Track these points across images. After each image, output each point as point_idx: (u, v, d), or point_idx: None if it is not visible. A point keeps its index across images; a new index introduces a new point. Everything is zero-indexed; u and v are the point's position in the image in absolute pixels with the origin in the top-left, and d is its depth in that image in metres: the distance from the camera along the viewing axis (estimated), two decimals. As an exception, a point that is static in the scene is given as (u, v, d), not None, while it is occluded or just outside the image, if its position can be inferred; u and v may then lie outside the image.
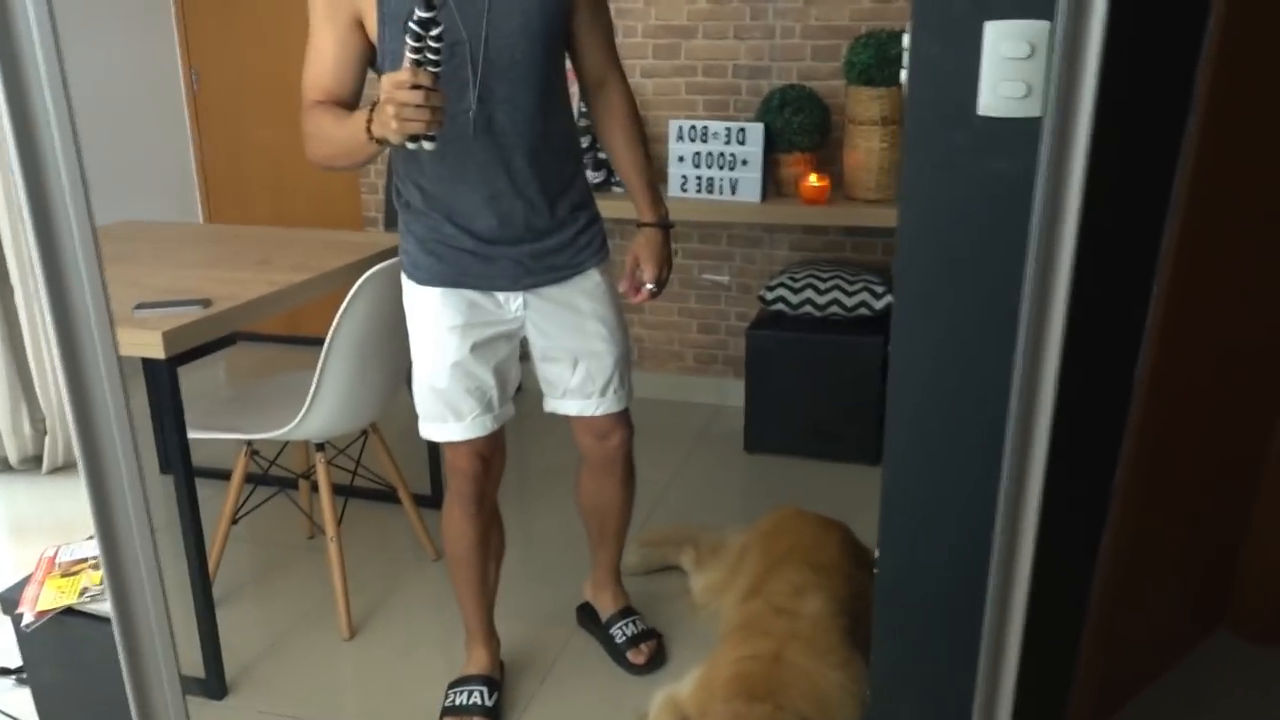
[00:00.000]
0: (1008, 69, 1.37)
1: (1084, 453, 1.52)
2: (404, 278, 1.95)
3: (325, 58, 1.77)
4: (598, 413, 2.06)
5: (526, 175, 1.83)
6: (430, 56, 1.53)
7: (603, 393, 2.04)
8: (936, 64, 1.41)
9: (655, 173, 2.09)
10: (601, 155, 3.31)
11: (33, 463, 3.15)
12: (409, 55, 1.52)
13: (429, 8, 1.48)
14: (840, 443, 3.19)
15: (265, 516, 2.84)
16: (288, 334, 4.29)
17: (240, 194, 4.39)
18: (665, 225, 2.05)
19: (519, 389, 2.37)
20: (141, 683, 1.02)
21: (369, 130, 1.62)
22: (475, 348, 1.92)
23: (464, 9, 1.71)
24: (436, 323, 1.91)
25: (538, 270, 1.91)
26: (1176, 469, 1.81)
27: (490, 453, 2.00)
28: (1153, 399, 1.53)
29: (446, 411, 1.94)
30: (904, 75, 1.45)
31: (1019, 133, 1.37)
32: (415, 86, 1.52)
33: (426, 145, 1.60)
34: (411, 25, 1.50)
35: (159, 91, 4.22)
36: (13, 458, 3.11)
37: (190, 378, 2.15)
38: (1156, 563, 1.86)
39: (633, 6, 3.45)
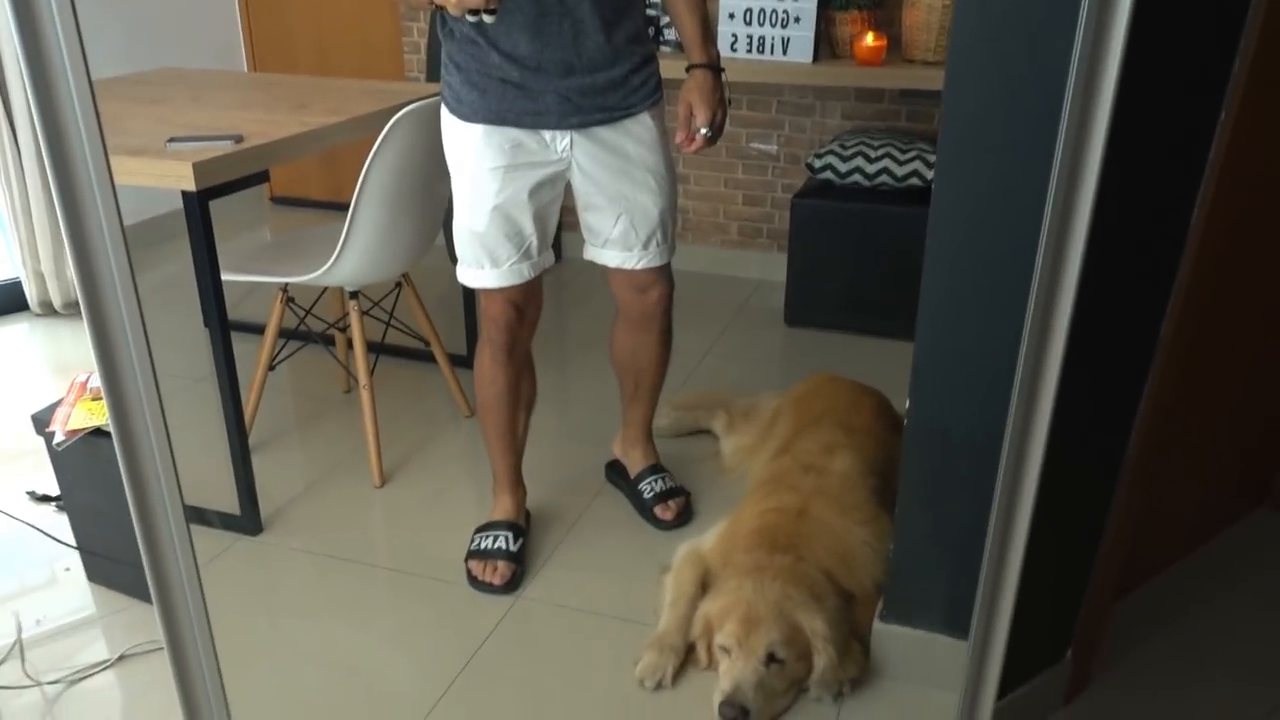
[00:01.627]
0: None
1: (1127, 309, 1.45)
2: (445, 113, 1.88)
3: None
4: (638, 266, 2.01)
5: (583, 9, 1.74)
6: None
7: (645, 245, 1.99)
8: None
9: (707, 13, 1.98)
10: (650, 12, 3.18)
11: (75, 308, 3.18)
12: None
13: None
14: (884, 317, 3.11)
15: (302, 369, 2.87)
16: (331, 198, 4.27)
17: (284, 47, 4.31)
18: (716, 67, 1.95)
19: (559, 257, 2.32)
20: (145, 503, 1.02)
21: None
22: (517, 191, 1.86)
23: None
24: (478, 162, 1.85)
25: (587, 108, 1.84)
26: (1225, 329, 1.73)
27: (525, 301, 1.97)
28: (1203, 254, 1.44)
29: (484, 256, 1.90)
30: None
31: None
32: None
33: (487, 18, 1.62)
34: None
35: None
36: (57, 302, 3.15)
37: (233, 239, 2.13)
38: (1196, 428, 1.80)
39: None
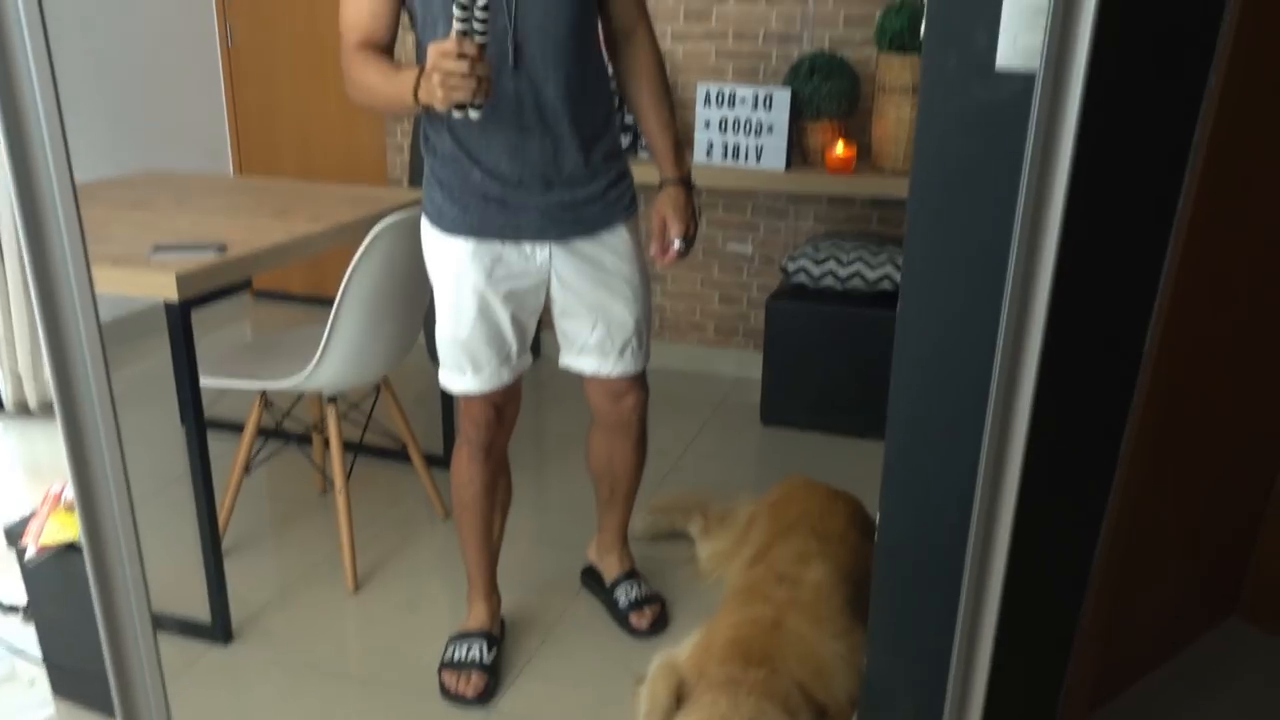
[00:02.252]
0: (1030, 19, 1.33)
1: (1087, 424, 1.48)
2: (428, 226, 1.93)
3: (361, 2, 1.77)
4: (614, 373, 2.04)
5: (557, 111, 1.80)
6: (476, 27, 1.55)
7: (620, 353, 2.02)
8: (955, 13, 1.37)
9: (680, 131, 2.05)
10: (628, 120, 3.27)
11: (51, 409, 3.17)
12: (456, 25, 1.55)
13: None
14: (858, 417, 3.15)
15: (279, 470, 2.86)
16: (313, 293, 4.31)
17: (270, 149, 4.39)
18: (688, 183, 2.02)
19: (537, 355, 2.36)
20: (113, 620, 1.02)
21: (415, 95, 1.64)
22: (498, 299, 1.90)
23: None
24: (460, 274, 1.89)
25: (566, 222, 1.89)
26: (1187, 443, 1.76)
27: (504, 402, 1.99)
28: (1161, 370, 1.49)
29: (466, 361, 1.93)
30: (924, 27, 1.41)
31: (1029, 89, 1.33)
32: (461, 56, 1.54)
33: (472, 114, 1.63)
34: (472, 18, 1.53)
35: (196, 47, 4.23)
36: (32, 402, 3.14)
37: (214, 335, 2.16)
38: (1163, 539, 1.82)
39: (665, -31, 3.41)
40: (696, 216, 2.03)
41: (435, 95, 1.59)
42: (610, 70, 1.97)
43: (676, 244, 2.00)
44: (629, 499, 2.26)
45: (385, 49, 1.80)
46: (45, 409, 3.17)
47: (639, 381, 2.09)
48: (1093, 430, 1.50)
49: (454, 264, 1.89)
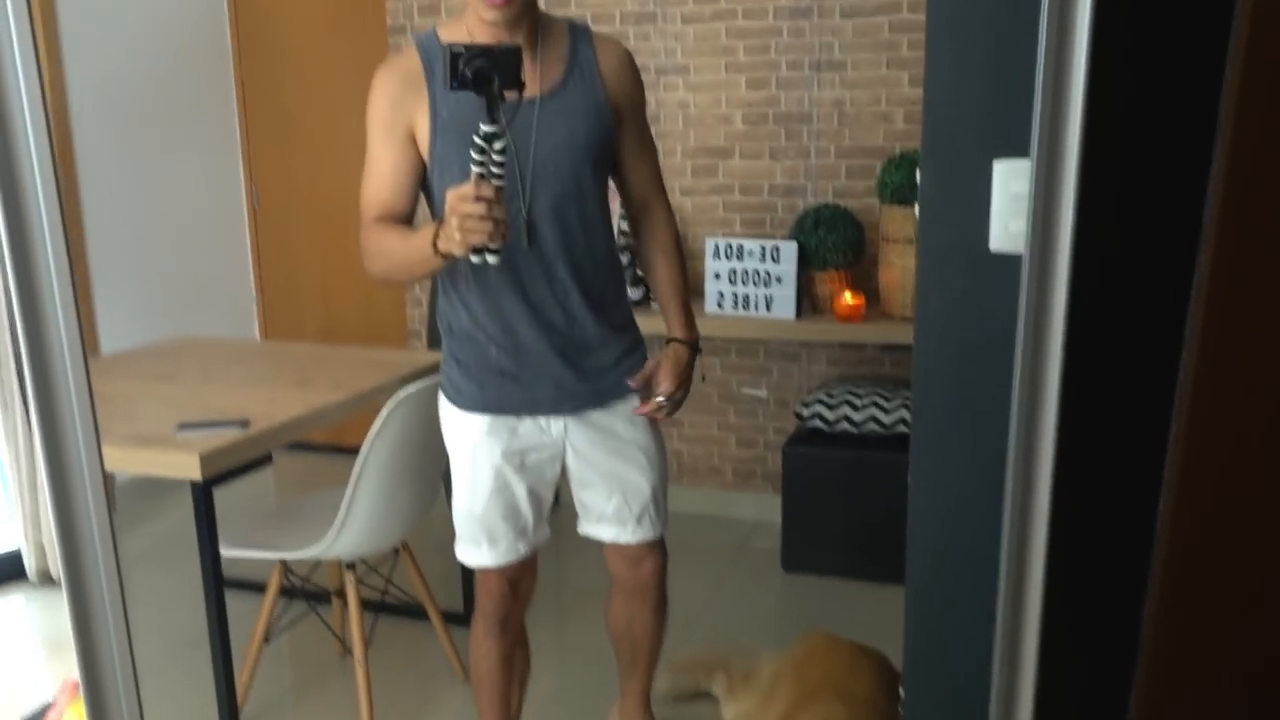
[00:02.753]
0: (1019, 206, 1.38)
1: (1105, 568, 1.47)
2: (445, 403, 1.97)
3: (383, 174, 1.83)
4: (632, 540, 2.05)
5: (568, 285, 1.85)
6: (494, 170, 1.59)
7: (638, 520, 2.03)
8: (947, 201, 1.43)
9: (690, 282, 2.11)
10: (640, 272, 3.36)
11: (76, 575, 3.19)
12: (473, 169, 1.58)
13: (492, 121, 1.56)
14: (881, 563, 3.12)
15: (299, 632, 2.85)
16: (331, 442, 4.35)
17: (293, 307, 4.51)
18: (694, 347, 2.05)
19: (555, 502, 2.37)
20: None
21: (435, 245, 1.67)
22: (515, 473, 1.93)
23: (514, 120, 1.77)
24: (476, 449, 1.92)
25: (580, 394, 1.92)
26: (1216, 603, 1.74)
27: (519, 576, 2.00)
28: (1182, 510, 1.48)
29: (482, 536, 1.94)
30: (916, 210, 1.47)
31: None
32: (479, 199, 1.57)
33: (491, 258, 1.64)
34: (475, 139, 1.57)
35: (224, 210, 4.40)
36: (54, 570, 3.16)
37: (233, 486, 2.19)
38: (1199, 687, 1.78)
39: (672, 128, 3.55)
40: (690, 382, 2.04)
41: (454, 239, 1.61)
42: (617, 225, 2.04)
43: (660, 399, 1.97)
44: (650, 663, 2.24)
45: (404, 222, 1.85)
46: (68, 577, 3.18)
47: (657, 546, 2.09)
48: (1114, 574, 1.48)
49: (471, 439, 1.92)
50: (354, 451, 2.25)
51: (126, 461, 2.12)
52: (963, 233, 1.41)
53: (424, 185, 1.86)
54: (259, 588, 2.55)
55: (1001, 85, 1.37)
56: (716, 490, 3.80)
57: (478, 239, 1.60)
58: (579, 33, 1.89)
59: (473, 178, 1.58)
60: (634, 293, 3.36)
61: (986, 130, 1.39)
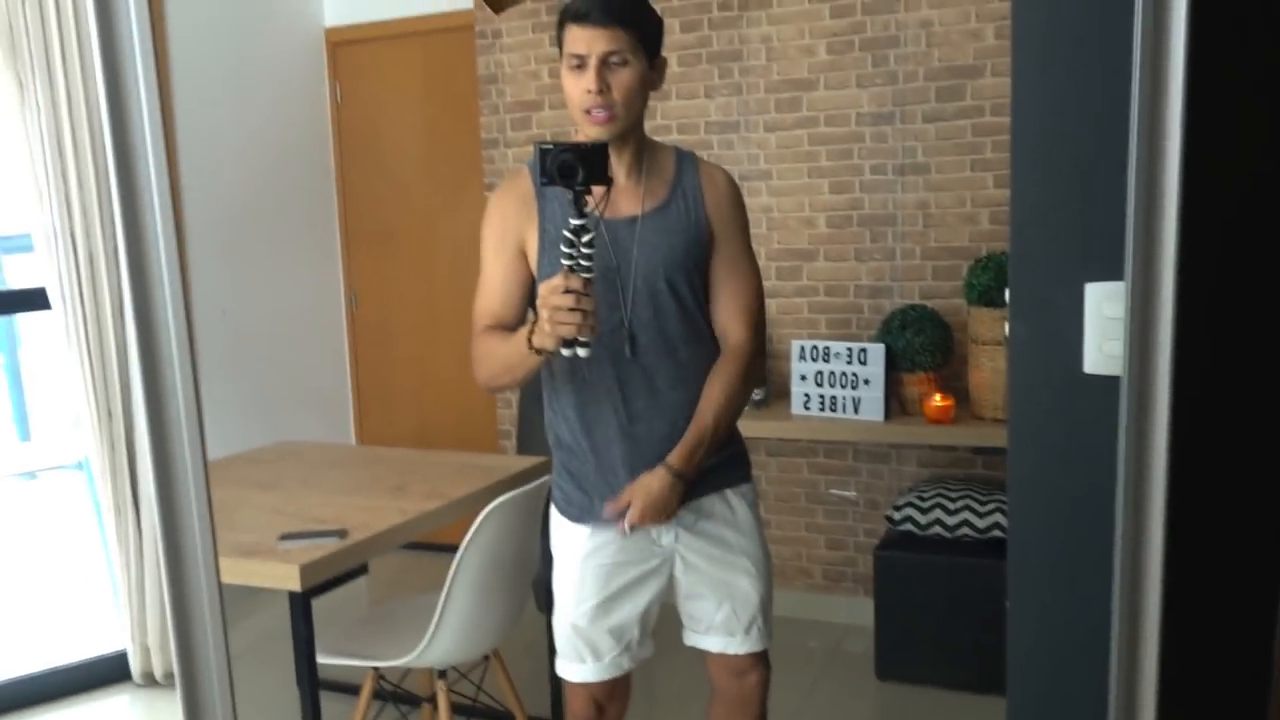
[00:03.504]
0: (1111, 328, 1.37)
1: (1218, 675, 1.41)
2: (556, 514, 1.99)
3: (494, 286, 1.90)
4: (740, 651, 2.02)
5: (669, 399, 1.87)
6: (582, 263, 1.64)
7: (746, 630, 2.01)
8: (1038, 322, 1.42)
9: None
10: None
11: (175, 679, 3.27)
12: (562, 261, 1.64)
13: (580, 215, 1.62)
14: (979, 672, 3.02)
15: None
16: (425, 540, 4.41)
17: (388, 409, 4.63)
18: (680, 477, 1.88)
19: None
20: None
21: (529, 342, 1.72)
22: (623, 587, 1.94)
23: (618, 237, 1.84)
24: (585, 560, 1.93)
25: (686, 504, 1.92)
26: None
27: (615, 691, 1.99)
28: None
29: (585, 650, 1.95)
30: (1006, 330, 1.47)
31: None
32: (568, 290, 1.62)
33: (581, 351, 1.68)
34: (564, 233, 1.63)
35: (322, 313, 4.57)
36: (158, 672, 3.25)
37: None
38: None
39: (756, 232, 3.58)
40: (666, 511, 1.88)
41: (544, 332, 1.67)
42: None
43: (624, 524, 1.88)
44: None
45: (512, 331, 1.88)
46: (170, 678, 3.26)
47: (763, 659, 2.06)
48: (1228, 697, 1.42)
49: (579, 551, 1.94)
50: (446, 549, 2.29)
51: (230, 571, 2.18)
52: (1055, 354, 1.40)
53: (533, 299, 1.91)
54: (352, 689, 2.58)
55: (1090, 206, 1.37)
56: (805, 593, 3.73)
57: (567, 331, 1.64)
58: (685, 158, 1.95)
59: (562, 270, 1.64)
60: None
61: (1075, 252, 1.39)
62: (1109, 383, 1.35)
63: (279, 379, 4.25)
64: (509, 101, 3.96)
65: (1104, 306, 1.37)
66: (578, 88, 1.78)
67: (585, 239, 1.62)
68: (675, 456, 1.88)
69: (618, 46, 1.76)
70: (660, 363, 1.87)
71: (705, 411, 1.89)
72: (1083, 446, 1.39)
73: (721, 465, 1.97)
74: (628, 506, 1.87)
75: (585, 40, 1.76)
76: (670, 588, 2.01)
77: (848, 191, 3.48)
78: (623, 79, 1.78)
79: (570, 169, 1.60)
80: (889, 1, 3.34)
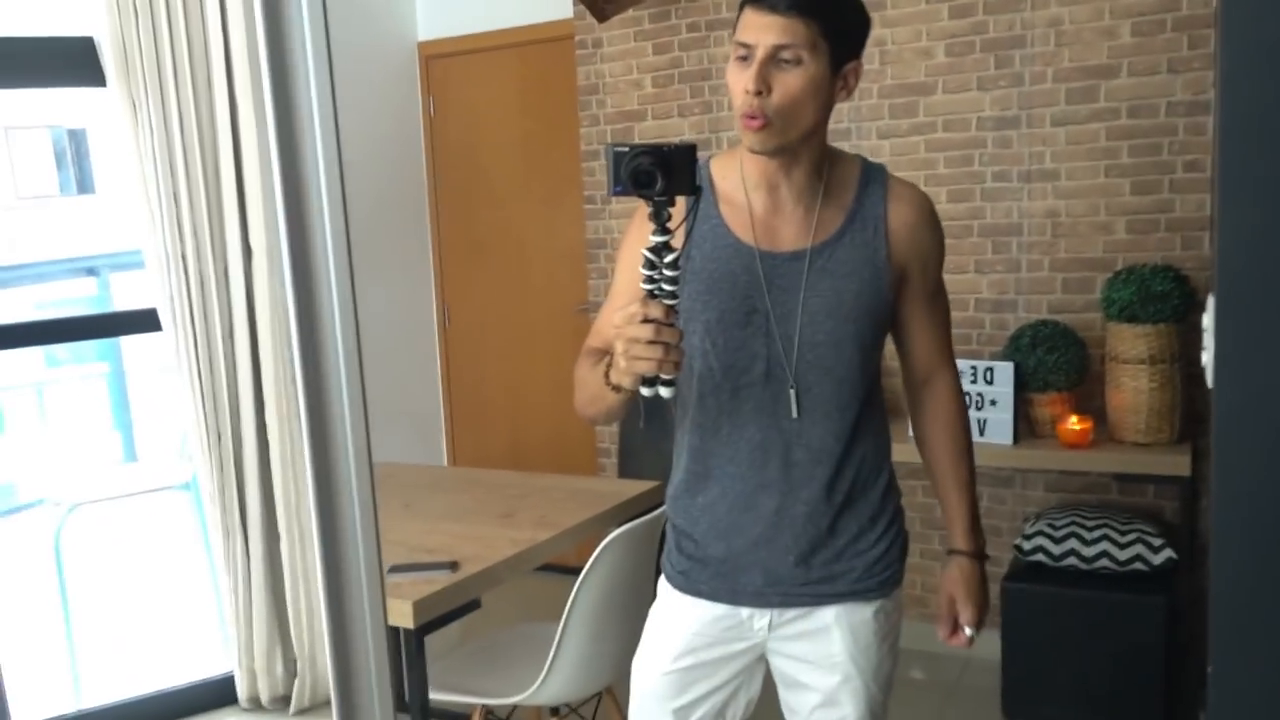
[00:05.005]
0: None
1: None
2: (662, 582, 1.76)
3: (616, 307, 1.57)
4: None
5: (806, 473, 1.59)
6: (665, 287, 1.39)
7: None
8: (1246, 364, 1.24)
9: (977, 491, 1.79)
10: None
11: (281, 703, 3.23)
12: (642, 285, 1.39)
13: (663, 231, 1.38)
14: (1110, 713, 2.82)
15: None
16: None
17: (481, 429, 4.57)
18: (982, 555, 1.73)
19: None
20: None
21: (607, 377, 1.47)
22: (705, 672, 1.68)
23: (781, 275, 1.57)
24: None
25: (788, 581, 1.63)
26: None
27: None
28: None
29: None
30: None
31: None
32: (646, 320, 1.36)
33: (663, 391, 1.42)
34: (644, 252, 1.39)
35: (415, 330, 4.54)
36: (264, 696, 3.21)
37: None
38: None
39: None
40: (988, 597, 1.75)
41: (619, 367, 1.41)
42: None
43: (968, 632, 1.72)
44: None
45: None
46: (276, 703, 3.23)
47: None
48: None
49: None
50: (552, 570, 2.18)
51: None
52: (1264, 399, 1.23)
53: None
54: (455, 717, 2.50)
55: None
56: (920, 622, 3.54)
57: (645, 367, 1.37)
58: (873, 175, 1.63)
59: (640, 296, 1.38)
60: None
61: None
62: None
63: (371, 396, 4.21)
64: (610, 112, 3.87)
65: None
66: (738, 84, 1.48)
67: (668, 259, 1.38)
68: (968, 539, 1.73)
69: (792, 40, 1.43)
70: (807, 429, 1.59)
71: (958, 470, 1.73)
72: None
73: (855, 560, 1.67)
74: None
75: (756, 28, 1.45)
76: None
77: (967, 200, 3.30)
78: (790, 82, 1.45)
79: (648, 176, 1.35)
80: (1014, 0, 3.16)
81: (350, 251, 0.92)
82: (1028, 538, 2.98)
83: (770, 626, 1.65)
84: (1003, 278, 3.26)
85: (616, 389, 1.46)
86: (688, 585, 1.68)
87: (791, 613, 1.64)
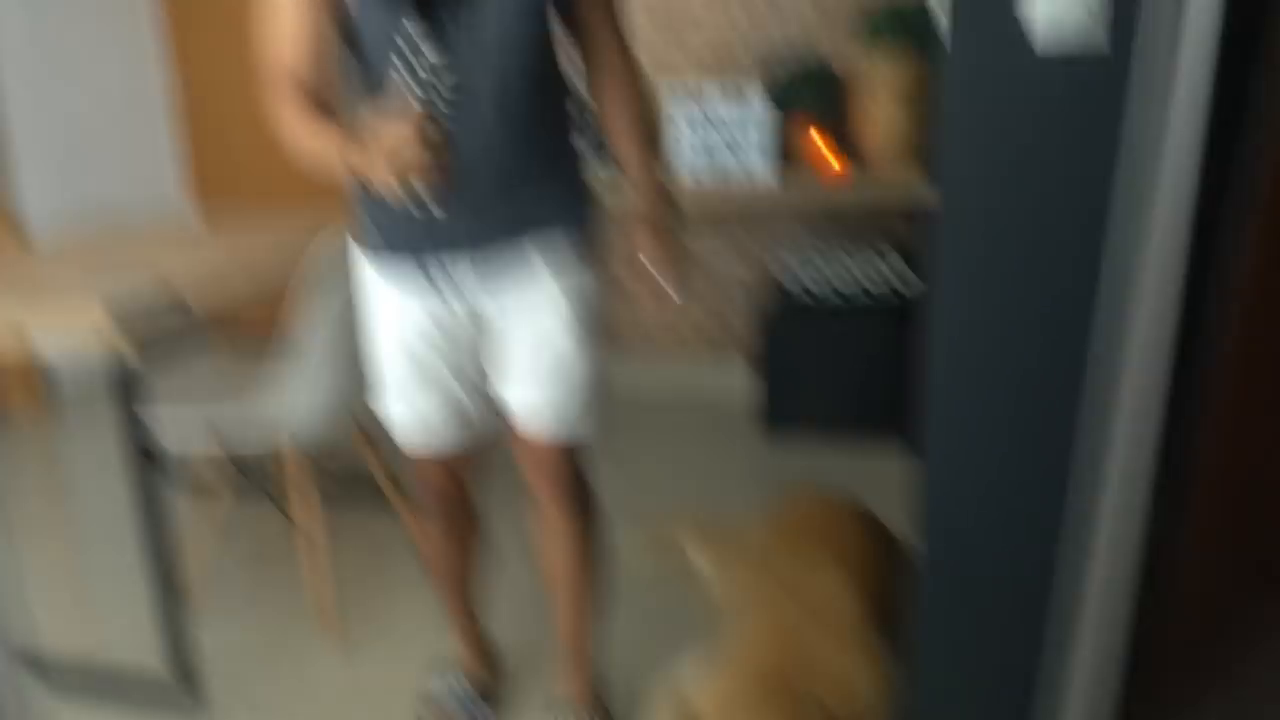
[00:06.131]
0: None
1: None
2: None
3: (286, 28, 1.40)
4: (548, 434, 1.67)
5: (504, 151, 1.46)
6: (442, 109, 1.29)
7: (561, 410, 1.65)
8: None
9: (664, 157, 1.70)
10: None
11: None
12: (416, 105, 1.27)
13: (440, 51, 1.28)
14: (861, 424, 3.05)
15: (255, 527, 2.69)
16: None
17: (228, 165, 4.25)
18: (665, 196, 1.64)
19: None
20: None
21: (350, 162, 1.32)
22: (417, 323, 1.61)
23: None
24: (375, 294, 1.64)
25: (487, 221, 1.52)
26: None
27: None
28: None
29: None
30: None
31: (1086, 75, 1.15)
32: (424, 144, 1.22)
33: (436, 212, 1.37)
34: (420, 73, 1.27)
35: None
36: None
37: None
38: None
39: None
40: (682, 253, 1.66)
41: (379, 177, 1.26)
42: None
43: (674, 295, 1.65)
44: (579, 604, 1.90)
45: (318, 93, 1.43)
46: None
47: (573, 454, 1.74)
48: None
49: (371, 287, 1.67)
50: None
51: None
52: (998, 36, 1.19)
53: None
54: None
55: None
56: (683, 360, 3.62)
57: (412, 184, 1.25)
58: None
59: (416, 115, 1.22)
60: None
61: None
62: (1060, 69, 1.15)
63: (98, 139, 3.82)
64: None
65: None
66: None
67: (450, 81, 1.28)
68: (648, 197, 1.64)
69: None
70: (495, 113, 1.43)
71: (635, 123, 1.62)
72: (1031, 161, 1.20)
73: (546, 193, 1.58)
74: None
75: None
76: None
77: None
78: None
79: None
80: None
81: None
82: (784, 268, 3.05)
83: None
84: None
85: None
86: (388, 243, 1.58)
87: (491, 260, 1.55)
